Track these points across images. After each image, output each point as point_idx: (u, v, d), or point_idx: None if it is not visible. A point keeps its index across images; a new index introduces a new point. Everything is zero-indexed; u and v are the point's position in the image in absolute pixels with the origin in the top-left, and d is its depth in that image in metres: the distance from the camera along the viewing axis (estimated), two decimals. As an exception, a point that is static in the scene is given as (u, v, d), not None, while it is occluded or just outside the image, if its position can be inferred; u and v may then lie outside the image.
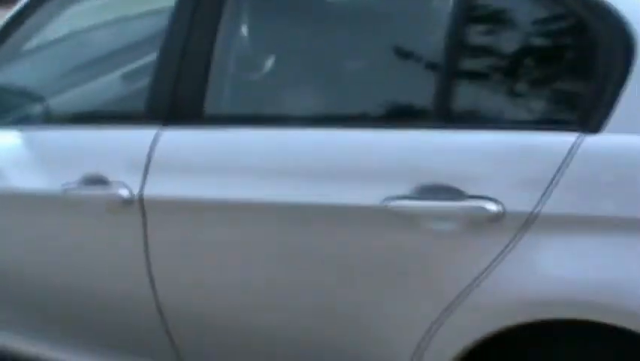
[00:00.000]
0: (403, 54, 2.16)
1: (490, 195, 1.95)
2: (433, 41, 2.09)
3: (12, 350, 2.97)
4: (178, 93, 2.41)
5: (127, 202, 2.43)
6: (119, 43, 2.73)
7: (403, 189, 2.04)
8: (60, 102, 2.80)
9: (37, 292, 2.77)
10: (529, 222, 1.91)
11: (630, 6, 1.90)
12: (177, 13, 2.46)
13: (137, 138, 2.46)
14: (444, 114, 2.05)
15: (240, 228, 2.27)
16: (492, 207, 1.93)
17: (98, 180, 2.50)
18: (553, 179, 1.89)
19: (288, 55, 2.33)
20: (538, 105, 1.97)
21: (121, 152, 2.49)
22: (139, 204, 2.42)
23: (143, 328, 2.56)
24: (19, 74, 2.94)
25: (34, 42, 2.87)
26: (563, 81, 1.96)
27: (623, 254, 1.82)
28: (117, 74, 2.68)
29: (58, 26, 2.85)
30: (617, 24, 1.90)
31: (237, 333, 2.38)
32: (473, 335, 2.01)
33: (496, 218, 1.94)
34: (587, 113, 1.90)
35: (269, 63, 2.34)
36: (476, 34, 2.05)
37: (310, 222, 2.16)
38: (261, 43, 2.36)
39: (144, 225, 2.43)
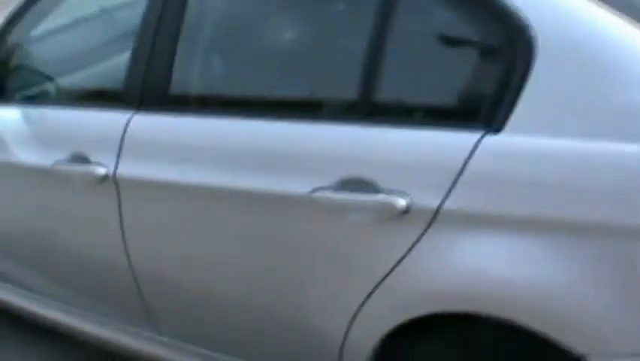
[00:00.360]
0: (331, 52, 2.25)
1: (401, 190, 2.04)
2: (357, 41, 2.19)
3: (11, 303, 3.33)
4: (148, 80, 2.60)
5: (103, 180, 2.65)
6: (111, 29, 2.91)
7: (327, 181, 2.14)
8: (58, 84, 3.01)
9: (30, 252, 3.07)
10: (435, 217, 1.99)
11: (532, 9, 1.94)
12: (150, 3, 2.63)
13: (114, 121, 2.66)
14: (365, 110, 2.14)
15: (195, 207, 2.44)
16: (401, 201, 2.02)
17: (82, 158, 2.73)
18: (456, 176, 1.96)
19: (234, 48, 2.46)
20: (447, 104, 2.04)
21: (101, 133, 2.69)
22: (113, 182, 2.63)
23: (121, 292, 2.78)
24: (28, 57, 3.17)
25: (40, 27, 3.10)
26: (470, 81, 2.01)
27: (519, 252, 1.89)
28: (106, 59, 2.88)
29: (63, 11, 3.06)
30: (518, 27, 1.94)
31: (196, 297, 2.56)
32: (390, 322, 2.11)
33: (405, 212, 2.03)
34: (490, 113, 1.95)
35: (221, 56, 2.48)
36: (394, 35, 2.12)
37: (252, 207, 2.31)
38: (217, 37, 2.50)
39: (118, 200, 2.64)
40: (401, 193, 2.04)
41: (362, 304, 2.15)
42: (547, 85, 1.90)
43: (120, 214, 2.64)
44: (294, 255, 2.25)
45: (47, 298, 3.15)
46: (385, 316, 2.12)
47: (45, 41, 3.15)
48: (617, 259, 1.78)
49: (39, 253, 3.03)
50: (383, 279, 2.10)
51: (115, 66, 2.76)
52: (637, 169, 1.76)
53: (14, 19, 3.16)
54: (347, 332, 2.21)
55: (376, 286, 2.11)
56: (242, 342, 2.54)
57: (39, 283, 3.14)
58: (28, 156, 2.92)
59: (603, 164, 1.79)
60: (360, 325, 2.18)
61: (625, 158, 1.77)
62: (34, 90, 3.07)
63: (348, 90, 2.18)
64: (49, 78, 3.05)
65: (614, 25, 1.87)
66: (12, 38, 3.19)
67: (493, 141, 1.94)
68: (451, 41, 2.07)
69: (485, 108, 1.97)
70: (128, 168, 2.58)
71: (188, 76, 2.54)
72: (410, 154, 2.05)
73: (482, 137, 1.95)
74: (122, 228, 2.64)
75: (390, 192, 2.05)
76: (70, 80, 2.99)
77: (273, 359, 2.48)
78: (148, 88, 2.60)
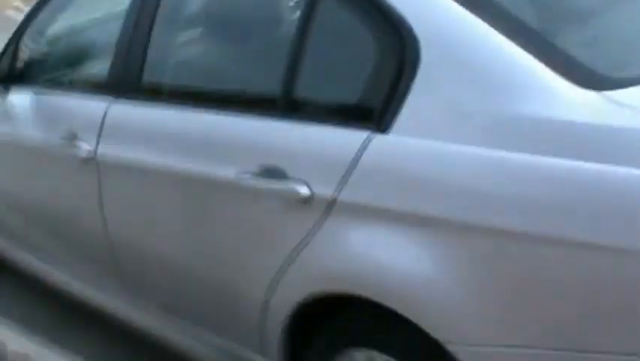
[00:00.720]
0: (256, 55, 2.55)
1: (305, 180, 2.26)
2: (276, 46, 2.45)
3: (12, 257, 3.83)
4: (125, 71, 2.95)
5: (86, 159, 3.00)
6: (108, 27, 3.26)
7: (249, 168, 2.40)
8: (63, 72, 3.43)
9: (32, 216, 3.53)
10: (331, 206, 2.21)
11: (417, 18, 2.13)
12: (132, 2, 2.96)
13: (98, 106, 3.01)
14: (282, 106, 2.39)
15: (151, 185, 2.77)
16: (304, 190, 2.25)
17: (71, 138, 3.08)
18: (349, 171, 2.17)
19: (181, 46, 2.78)
20: (346, 104, 2.27)
21: (87, 117, 3.06)
22: (94, 162, 2.98)
23: (100, 257, 3.14)
24: (41, 49, 3.60)
25: (52, 23, 3.53)
26: (364, 84, 2.22)
27: (394, 243, 2.08)
28: (99, 52, 3.26)
29: (74, 10, 3.47)
30: (404, 34, 2.12)
31: (150, 260, 2.90)
32: (296, 296, 2.35)
33: (307, 200, 2.26)
34: (380, 114, 2.15)
35: (173, 53, 2.81)
36: (305, 43, 2.36)
37: (191, 187, 2.62)
38: (172, 36, 2.83)
39: (98, 178, 2.98)
40: (304, 183, 2.27)
41: (274, 278, 2.40)
42: (428, 90, 2.08)
43: (100, 190, 2.99)
44: (223, 230, 2.54)
45: (41, 256, 3.59)
46: (292, 291, 2.37)
47: (55, 36, 3.58)
48: (476, 256, 1.94)
49: (35, 217, 3.48)
50: (289, 258, 2.34)
51: (104, 58, 3.10)
52: (496, 174, 1.92)
53: (32, 16, 3.58)
54: (264, 300, 2.46)
55: (285, 264, 2.36)
56: (182, 299, 2.85)
57: (36, 242, 3.58)
58: (31, 133, 3.35)
59: (469, 167, 1.96)
60: (274, 295, 2.42)
61: (487, 162, 1.93)
62: (45, 76, 3.48)
63: (269, 88, 2.46)
64: (57, 67, 3.48)
65: (490, 35, 2.03)
66: (29, 33, 3.62)
67: (380, 141, 2.13)
68: (349, 48, 2.30)
69: (376, 109, 2.17)
70: (106, 149, 2.92)
71: (152, 69, 2.88)
72: (313, 147, 2.29)
73: (371, 136, 2.15)
74: (101, 201, 3.00)
75: (296, 181, 2.29)
76: (71, 69, 3.39)
77: (207, 317, 2.78)
78: (124, 78, 2.94)
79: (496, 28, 2.04)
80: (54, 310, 3.78)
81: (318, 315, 2.37)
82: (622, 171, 1.74)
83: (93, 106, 3.02)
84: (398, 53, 2.14)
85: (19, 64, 3.58)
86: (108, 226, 3.00)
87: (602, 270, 1.77)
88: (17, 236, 3.72)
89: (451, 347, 2.00)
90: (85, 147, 3.00)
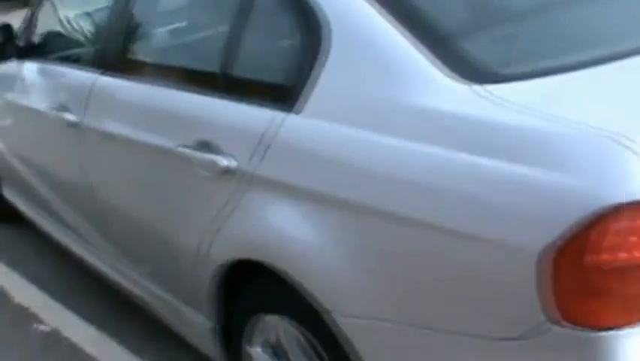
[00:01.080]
0: (200, 39, 2.76)
1: (230, 154, 2.43)
2: (217, 28, 2.65)
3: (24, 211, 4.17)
4: (109, 50, 3.22)
5: (74, 125, 3.27)
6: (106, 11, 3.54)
7: (188, 140, 2.59)
8: (67, 47, 3.74)
9: (36, 173, 3.88)
10: (249, 180, 2.37)
11: (331, 5, 2.24)
12: None
13: (86, 80, 3.28)
14: (218, 84, 2.57)
15: (118, 150, 3.04)
16: (226, 163, 2.42)
17: (62, 107, 3.37)
18: (264, 147, 2.32)
19: (149, 27, 3.02)
20: (270, 85, 2.43)
21: (77, 89, 3.33)
22: (80, 129, 3.24)
23: (88, 212, 3.41)
24: (51, 27, 3.93)
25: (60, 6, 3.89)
26: (284, 68, 2.36)
27: (296, 216, 2.21)
28: (94, 32, 3.54)
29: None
30: (318, 19, 2.24)
31: (117, 213, 3.17)
32: (219, 259, 2.52)
33: (230, 172, 2.42)
34: (294, 96, 2.27)
35: (141, 33, 3.08)
36: (237, 29, 2.53)
37: (144, 153, 2.86)
38: (140, 19, 3.08)
39: (85, 143, 3.24)
40: (230, 156, 2.43)
41: (203, 241, 2.58)
42: (336, 76, 2.20)
43: (84, 152, 3.27)
44: (167, 193, 2.77)
45: (41, 208, 3.95)
46: (215, 255, 2.54)
47: (60, 18, 3.89)
48: (360, 234, 2.06)
49: (35, 174, 3.84)
50: (215, 223, 2.51)
51: (97, 38, 3.38)
52: (383, 159, 2.01)
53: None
54: (195, 260, 2.65)
55: (211, 229, 2.53)
56: (140, 253, 3.11)
57: (37, 195, 3.93)
58: (36, 99, 3.70)
59: (362, 152, 2.07)
60: (202, 257, 2.60)
61: (376, 147, 2.03)
62: (51, 51, 3.81)
63: (208, 68, 2.69)
64: (61, 44, 3.79)
65: (390, 28, 2.13)
66: (42, 11, 3.98)
67: (291, 121, 2.27)
68: (273, 33, 2.47)
69: (291, 91, 2.30)
70: (90, 118, 3.18)
71: (128, 48, 3.14)
72: (239, 124, 2.45)
73: (285, 116, 2.29)
74: (85, 164, 3.28)
75: (223, 154, 2.45)
76: (74, 45, 3.68)
77: (155, 270, 3.03)
78: (108, 56, 3.21)
79: (397, 21, 2.14)
80: (62, 267, 4.06)
81: (244, 279, 2.55)
82: (472, 159, 1.83)
83: (84, 79, 3.30)
84: (311, 39, 2.27)
85: (34, 38, 3.94)
86: (91, 184, 3.29)
87: (458, 256, 1.85)
88: (28, 192, 4.08)
89: (327, 316, 2.15)
90: (73, 114, 3.27)
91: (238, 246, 2.45)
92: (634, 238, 1.65)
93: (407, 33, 2.10)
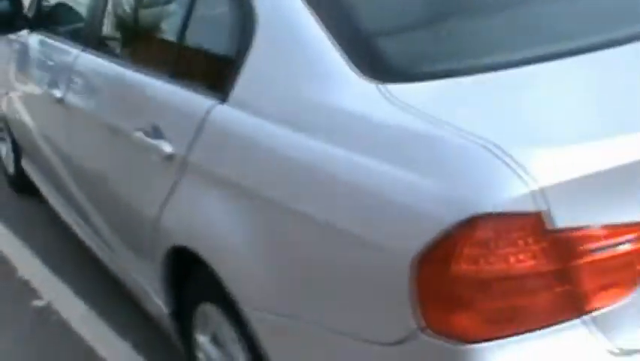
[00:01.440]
0: (160, 22, 2.78)
1: (173, 140, 2.40)
2: (167, 23, 2.72)
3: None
4: (89, 27, 3.28)
5: (59, 100, 3.35)
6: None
7: (143, 123, 2.57)
8: (68, 22, 3.79)
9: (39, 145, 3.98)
10: (184, 166, 2.35)
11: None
12: None
13: (70, 56, 3.33)
14: (171, 71, 2.55)
15: (86, 124, 3.15)
16: (169, 148, 2.40)
17: (53, 83, 3.44)
18: (197, 135, 2.29)
19: (118, 14, 3.05)
20: (209, 74, 2.42)
21: (64, 65, 3.39)
22: (64, 105, 3.32)
23: (78, 187, 3.48)
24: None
25: None
26: (219, 58, 2.36)
27: (219, 205, 2.20)
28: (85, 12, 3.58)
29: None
30: (248, 13, 2.20)
31: (101, 192, 3.18)
32: (165, 243, 2.52)
33: (170, 158, 2.40)
34: (223, 86, 2.23)
35: (113, 17, 3.12)
36: (181, 20, 2.56)
37: (107, 132, 2.90)
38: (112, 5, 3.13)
39: (69, 119, 3.33)
40: (171, 142, 2.41)
41: (153, 225, 2.57)
42: (258, 70, 2.16)
43: (70, 123, 3.35)
44: (130, 174, 2.79)
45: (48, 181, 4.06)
46: (162, 240, 2.53)
47: None
48: (264, 225, 2.04)
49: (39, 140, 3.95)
50: (162, 208, 2.50)
51: (86, 14, 3.44)
52: (285, 153, 1.98)
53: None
54: (150, 240, 2.64)
55: (159, 213, 2.52)
56: (109, 223, 3.17)
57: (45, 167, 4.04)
58: (34, 71, 3.86)
59: (270, 144, 2.04)
60: (155, 239, 2.60)
61: (282, 141, 2.00)
62: (58, 24, 3.87)
63: (164, 56, 2.68)
64: (59, 20, 3.88)
65: (311, 25, 2.06)
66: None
67: (219, 110, 2.23)
68: (214, 25, 2.47)
69: (222, 82, 2.26)
70: (71, 94, 3.24)
71: (103, 26, 3.19)
72: (182, 111, 2.42)
73: (215, 105, 2.25)
74: (70, 132, 3.38)
75: (166, 140, 2.43)
76: (74, 20, 3.71)
77: (123, 243, 3.05)
78: (88, 33, 3.28)
79: (320, 19, 2.07)
80: (69, 242, 4.09)
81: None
82: (358, 158, 1.79)
83: (70, 57, 3.34)
84: (243, 31, 2.22)
85: (43, 10, 4.01)
86: (72, 154, 3.38)
87: (346, 255, 1.81)
88: (38, 165, 4.19)
89: (240, 307, 2.13)
90: (60, 90, 3.34)
91: (175, 233, 2.44)
92: (498, 250, 1.58)
93: (327, 31, 2.04)
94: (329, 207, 1.84)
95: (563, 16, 2.14)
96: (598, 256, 1.61)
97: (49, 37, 3.79)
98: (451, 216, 1.59)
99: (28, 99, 4.08)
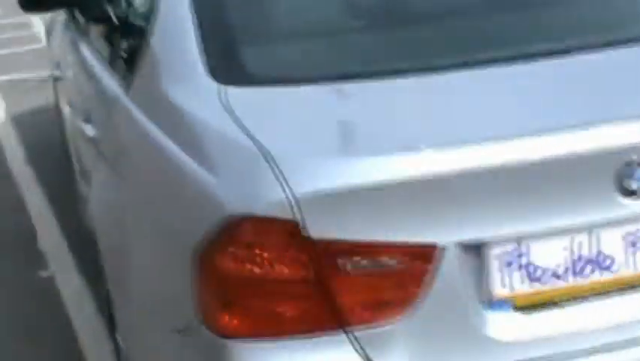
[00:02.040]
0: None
1: (94, 123, 2.56)
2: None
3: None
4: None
5: (56, 78, 3.58)
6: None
7: (83, 110, 2.72)
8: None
9: None
10: (99, 149, 2.48)
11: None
12: None
13: (69, 42, 3.44)
14: (107, 60, 2.67)
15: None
16: (91, 131, 2.54)
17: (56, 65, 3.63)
18: (107, 121, 2.43)
19: None
20: (125, 63, 2.45)
21: (64, 50, 3.53)
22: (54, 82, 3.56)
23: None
24: None
25: None
26: (132, 51, 2.39)
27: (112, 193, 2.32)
28: None
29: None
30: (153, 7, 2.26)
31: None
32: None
33: (91, 140, 2.54)
34: (128, 78, 2.32)
35: None
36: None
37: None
38: None
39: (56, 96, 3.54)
40: (93, 125, 2.57)
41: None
42: (148, 67, 2.22)
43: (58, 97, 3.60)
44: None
45: None
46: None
47: None
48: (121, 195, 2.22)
49: None
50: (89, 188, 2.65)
51: None
52: (147, 143, 2.07)
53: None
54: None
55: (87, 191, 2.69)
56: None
57: None
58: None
59: (150, 141, 2.07)
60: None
61: (147, 134, 2.06)
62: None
63: (106, 47, 2.76)
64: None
65: (187, 25, 2.12)
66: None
67: (123, 101, 2.31)
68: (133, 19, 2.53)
69: (128, 73, 2.35)
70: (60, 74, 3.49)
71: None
72: (106, 97, 2.53)
73: (122, 95, 2.34)
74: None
75: (91, 123, 2.59)
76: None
77: None
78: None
79: (198, 22, 2.11)
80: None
81: None
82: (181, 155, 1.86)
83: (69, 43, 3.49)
84: (145, 29, 2.29)
85: None
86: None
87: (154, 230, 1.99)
88: None
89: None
90: (57, 69, 3.58)
91: (90, 219, 2.56)
92: (258, 253, 1.62)
93: (200, 38, 2.08)
94: (150, 187, 2.00)
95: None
96: (359, 271, 1.58)
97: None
98: (216, 216, 1.65)
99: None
